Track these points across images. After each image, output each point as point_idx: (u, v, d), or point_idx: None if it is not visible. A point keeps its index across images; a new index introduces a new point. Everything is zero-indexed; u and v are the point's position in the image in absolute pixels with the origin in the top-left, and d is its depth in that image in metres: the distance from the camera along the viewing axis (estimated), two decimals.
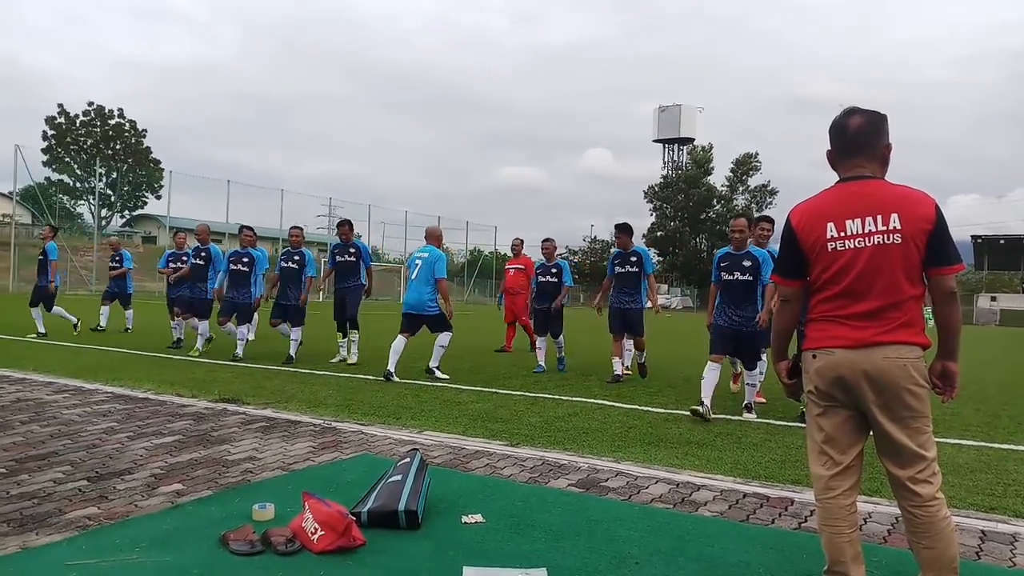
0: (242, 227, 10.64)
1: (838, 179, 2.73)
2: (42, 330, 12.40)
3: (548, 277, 10.31)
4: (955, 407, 7.46)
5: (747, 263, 6.90)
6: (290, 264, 10.20)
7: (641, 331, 9.09)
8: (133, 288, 14.82)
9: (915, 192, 2.59)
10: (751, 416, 6.76)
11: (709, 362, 6.81)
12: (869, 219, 2.56)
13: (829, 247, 2.61)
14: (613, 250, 9.74)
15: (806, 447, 2.80)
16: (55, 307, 12.74)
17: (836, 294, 2.61)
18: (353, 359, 10.14)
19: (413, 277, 8.84)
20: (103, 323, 13.92)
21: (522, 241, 13.19)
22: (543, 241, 10.73)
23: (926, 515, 2.51)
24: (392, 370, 8.53)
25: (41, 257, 12.66)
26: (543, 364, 9.96)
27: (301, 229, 10.51)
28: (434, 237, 9.17)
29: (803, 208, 2.73)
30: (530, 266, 11.98)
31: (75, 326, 13.07)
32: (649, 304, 9.20)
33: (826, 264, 2.63)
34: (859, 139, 2.67)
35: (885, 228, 2.53)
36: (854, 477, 2.64)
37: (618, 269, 9.08)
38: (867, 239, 2.56)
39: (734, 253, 7.03)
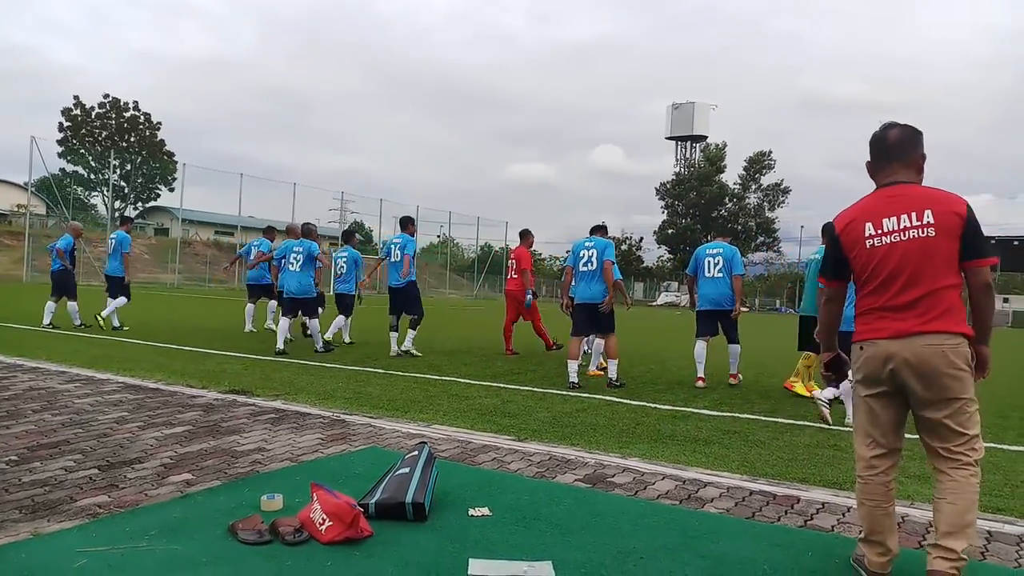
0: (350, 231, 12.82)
1: (876, 187, 2.96)
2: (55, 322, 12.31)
3: None
4: None
5: None
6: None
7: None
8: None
9: (947, 193, 2.82)
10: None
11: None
12: (904, 216, 2.79)
13: (867, 244, 2.85)
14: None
15: (853, 427, 3.11)
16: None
17: (876, 287, 2.85)
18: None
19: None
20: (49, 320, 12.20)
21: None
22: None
23: (961, 476, 2.74)
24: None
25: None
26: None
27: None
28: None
29: (845, 214, 2.98)
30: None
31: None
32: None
33: (865, 261, 2.87)
34: (896, 148, 2.91)
35: (920, 223, 2.76)
36: (895, 457, 2.92)
37: None
38: (903, 233, 2.78)
39: None
